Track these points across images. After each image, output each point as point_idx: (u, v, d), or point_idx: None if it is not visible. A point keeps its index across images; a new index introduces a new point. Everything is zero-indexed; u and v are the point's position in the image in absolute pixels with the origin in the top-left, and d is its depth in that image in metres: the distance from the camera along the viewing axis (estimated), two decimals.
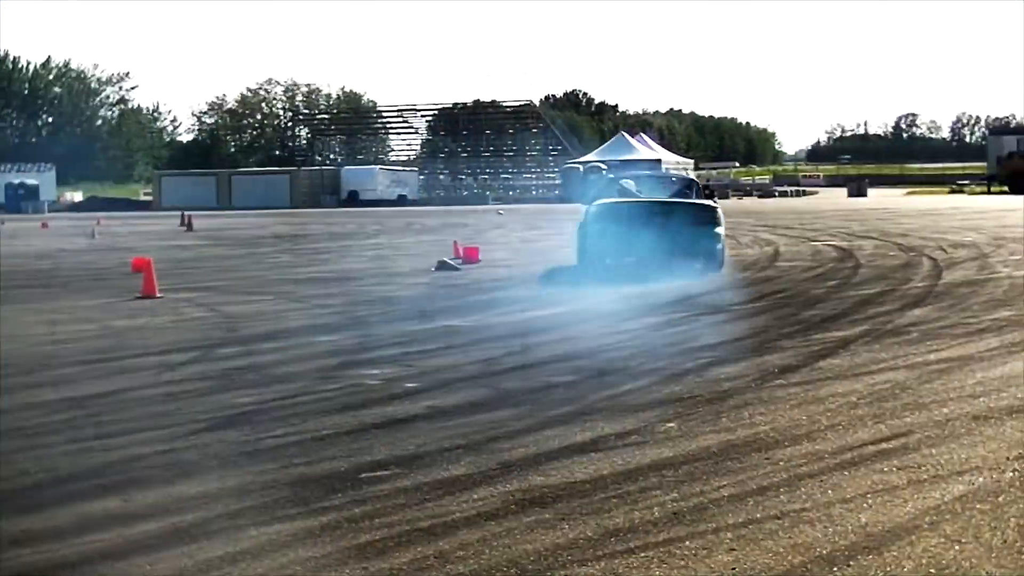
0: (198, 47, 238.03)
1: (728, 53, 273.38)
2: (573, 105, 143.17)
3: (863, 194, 75.87)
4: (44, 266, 24.89)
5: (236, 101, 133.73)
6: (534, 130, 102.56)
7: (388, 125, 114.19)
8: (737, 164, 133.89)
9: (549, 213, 49.17)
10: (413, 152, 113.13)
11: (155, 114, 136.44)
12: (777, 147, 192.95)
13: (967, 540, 4.96)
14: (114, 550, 5.09)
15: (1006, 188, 69.45)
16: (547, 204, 69.64)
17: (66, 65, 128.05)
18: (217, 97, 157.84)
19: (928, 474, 6.01)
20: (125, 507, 5.74)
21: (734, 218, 21.69)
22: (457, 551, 4.96)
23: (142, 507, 5.72)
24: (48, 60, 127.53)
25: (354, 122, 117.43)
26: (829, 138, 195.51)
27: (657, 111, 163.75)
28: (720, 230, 19.13)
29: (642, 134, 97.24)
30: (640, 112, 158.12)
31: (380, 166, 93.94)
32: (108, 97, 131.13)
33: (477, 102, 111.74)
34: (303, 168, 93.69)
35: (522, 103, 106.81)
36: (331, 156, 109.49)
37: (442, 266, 20.78)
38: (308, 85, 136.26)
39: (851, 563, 4.71)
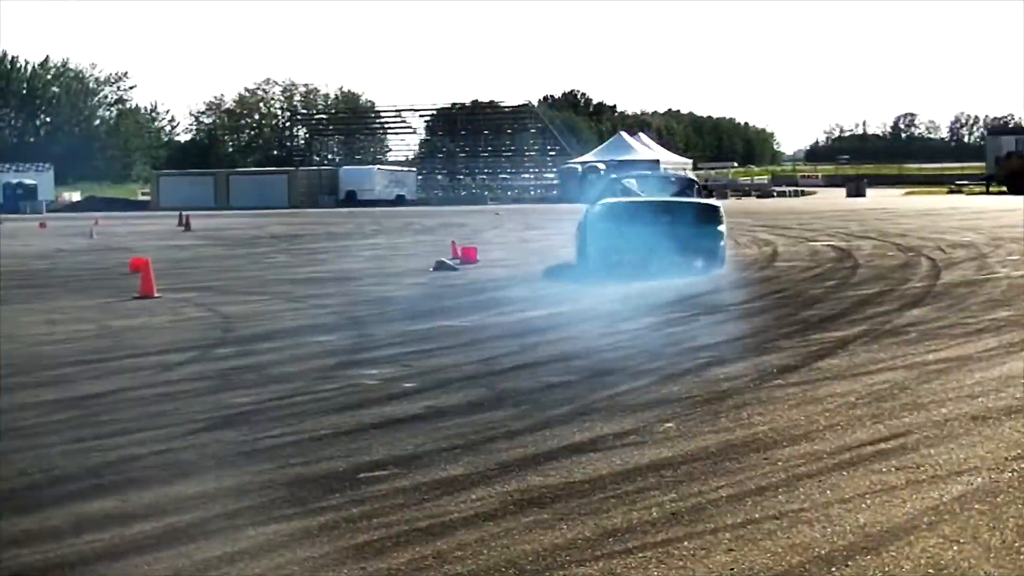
0: (196, 47, 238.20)
1: (727, 53, 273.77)
2: (571, 105, 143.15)
3: (861, 194, 75.88)
4: (42, 266, 24.89)
5: (234, 101, 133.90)
6: (532, 130, 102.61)
7: (386, 125, 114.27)
8: (736, 164, 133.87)
9: (547, 213, 49.18)
10: (411, 152, 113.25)
11: (153, 114, 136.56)
12: (776, 147, 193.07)
13: (965, 540, 4.96)
14: (112, 550, 5.08)
15: (1004, 188, 69.45)
16: (545, 204, 69.66)
17: (64, 65, 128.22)
18: (215, 97, 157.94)
19: (926, 474, 6.01)
20: (123, 507, 5.73)
21: (733, 218, 21.79)
22: (455, 551, 4.96)
23: (140, 507, 5.72)
24: (46, 60, 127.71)
25: (352, 122, 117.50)
26: (828, 138, 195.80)
27: (655, 111, 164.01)
28: (723, 228, 19.59)
29: (640, 134, 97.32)
30: (638, 112, 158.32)
31: (378, 166, 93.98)
32: (106, 97, 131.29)
33: (475, 102, 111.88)
34: (301, 168, 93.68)
35: (520, 103, 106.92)
36: (329, 156, 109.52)
37: (440, 266, 20.78)
38: (306, 85, 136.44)
39: (849, 563, 4.70)
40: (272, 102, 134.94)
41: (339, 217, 55.54)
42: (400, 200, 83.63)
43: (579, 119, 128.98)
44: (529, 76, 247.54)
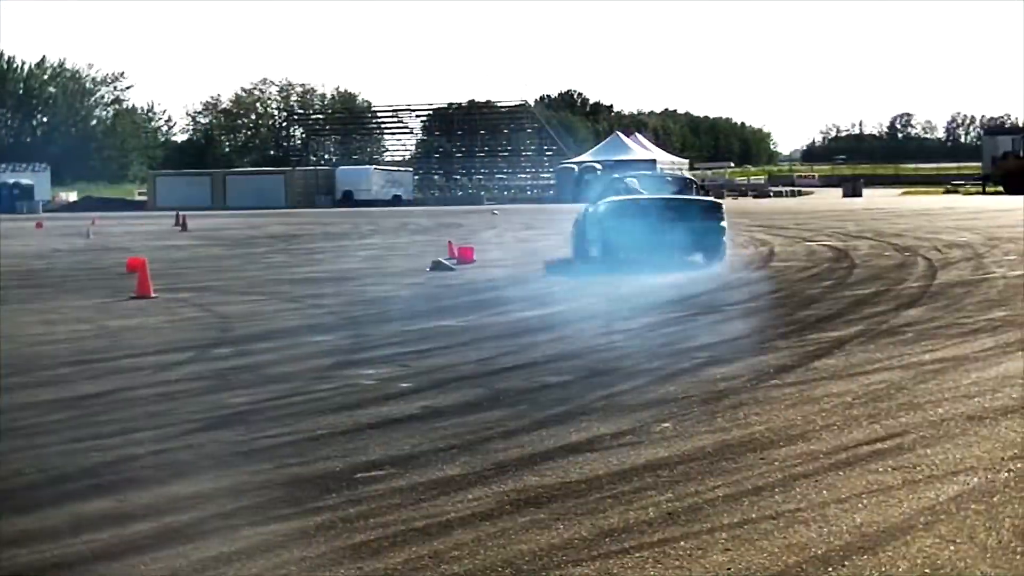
0: (193, 47, 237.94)
1: (723, 53, 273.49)
2: (568, 105, 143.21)
3: (858, 194, 76.01)
4: (39, 266, 24.87)
5: (231, 101, 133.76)
6: (529, 130, 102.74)
7: (383, 125, 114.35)
8: (732, 164, 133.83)
9: (544, 213, 49.20)
10: (408, 152, 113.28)
11: (150, 114, 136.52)
12: (772, 147, 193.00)
13: (962, 540, 4.97)
14: (109, 550, 5.08)
15: (1001, 188, 69.55)
16: (542, 204, 69.69)
17: (61, 65, 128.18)
18: (212, 97, 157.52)
19: (923, 474, 6.01)
20: (120, 507, 5.73)
21: (729, 218, 21.91)
22: (452, 551, 4.96)
23: (137, 507, 5.72)
24: (43, 60, 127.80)
25: (349, 122, 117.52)
26: (824, 138, 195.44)
27: (652, 111, 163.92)
28: (724, 224, 20.67)
29: (637, 134, 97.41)
30: (635, 112, 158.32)
31: (375, 166, 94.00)
32: (103, 97, 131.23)
33: (472, 102, 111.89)
34: (298, 168, 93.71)
35: (517, 103, 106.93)
36: (326, 156, 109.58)
37: (437, 266, 20.77)
38: (303, 85, 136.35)
39: (846, 563, 4.71)
40: (269, 102, 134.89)
41: (336, 217, 55.54)
42: (397, 200, 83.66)
43: (576, 119, 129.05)
44: (526, 76, 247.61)
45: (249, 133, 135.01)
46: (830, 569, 4.65)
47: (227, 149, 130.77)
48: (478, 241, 28.42)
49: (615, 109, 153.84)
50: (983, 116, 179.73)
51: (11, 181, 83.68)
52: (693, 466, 6.28)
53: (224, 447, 7.00)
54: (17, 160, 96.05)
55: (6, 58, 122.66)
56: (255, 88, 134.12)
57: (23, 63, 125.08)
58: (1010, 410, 7.55)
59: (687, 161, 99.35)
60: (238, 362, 10.44)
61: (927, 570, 4.63)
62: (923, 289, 15.32)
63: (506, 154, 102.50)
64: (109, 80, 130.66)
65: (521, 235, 34.33)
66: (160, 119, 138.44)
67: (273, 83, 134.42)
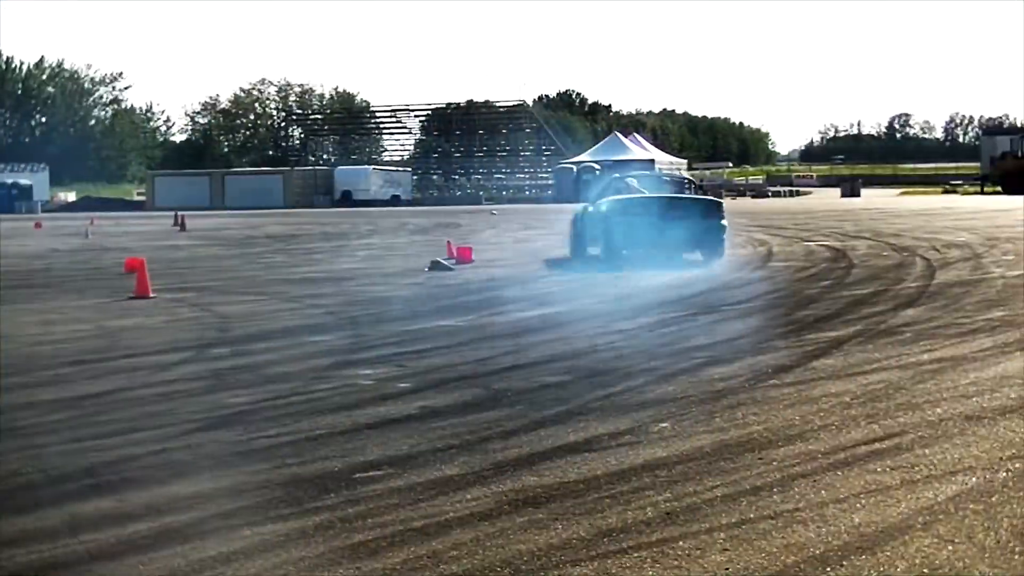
0: (191, 47, 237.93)
1: (722, 53, 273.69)
2: (566, 105, 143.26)
3: (856, 194, 76.04)
4: (38, 266, 24.86)
5: (229, 101, 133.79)
6: (527, 130, 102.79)
7: (381, 125, 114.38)
8: (731, 164, 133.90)
9: (543, 213, 49.19)
10: (406, 152, 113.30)
11: (148, 114, 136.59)
12: (770, 147, 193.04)
13: (960, 540, 4.97)
14: (108, 550, 5.08)
15: (999, 188, 69.59)
16: (541, 204, 69.68)
17: (59, 65, 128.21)
18: (210, 97, 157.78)
19: (921, 474, 6.01)
20: (119, 507, 5.73)
21: (728, 218, 22.08)
22: (450, 551, 4.96)
23: (136, 507, 5.72)
24: (41, 60, 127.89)
25: (347, 122, 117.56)
26: (823, 138, 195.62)
27: (651, 111, 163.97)
28: (725, 223, 21.45)
29: (635, 134, 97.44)
30: (634, 112, 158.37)
31: (373, 166, 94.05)
32: (101, 97, 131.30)
33: (470, 102, 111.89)
34: (296, 168, 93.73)
35: (515, 103, 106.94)
36: (324, 156, 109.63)
37: (435, 266, 20.77)
38: (301, 85, 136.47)
39: (844, 563, 4.71)
40: (267, 102, 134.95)
41: (334, 217, 55.53)
42: (395, 200, 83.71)
43: (574, 119, 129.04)
44: (524, 76, 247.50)
45: (248, 133, 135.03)
46: (828, 569, 4.65)
47: (226, 149, 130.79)
48: (477, 241, 28.42)
49: (613, 109, 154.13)
50: (981, 116, 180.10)
51: (10, 181, 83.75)
52: (691, 466, 6.28)
53: (223, 447, 7.00)
54: (16, 160, 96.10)
55: (5, 58, 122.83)
56: (254, 88, 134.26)
57: (22, 63, 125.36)
58: (1008, 410, 7.55)
59: (685, 161, 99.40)
60: (237, 362, 10.44)
61: (925, 570, 4.63)
62: (921, 289, 15.32)
63: (504, 154, 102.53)
64: (108, 80, 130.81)
65: (520, 235, 34.33)
66: (159, 119, 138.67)
67: (272, 83, 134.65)
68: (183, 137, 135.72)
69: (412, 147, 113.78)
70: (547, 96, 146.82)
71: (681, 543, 4.99)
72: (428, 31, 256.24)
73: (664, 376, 9.14)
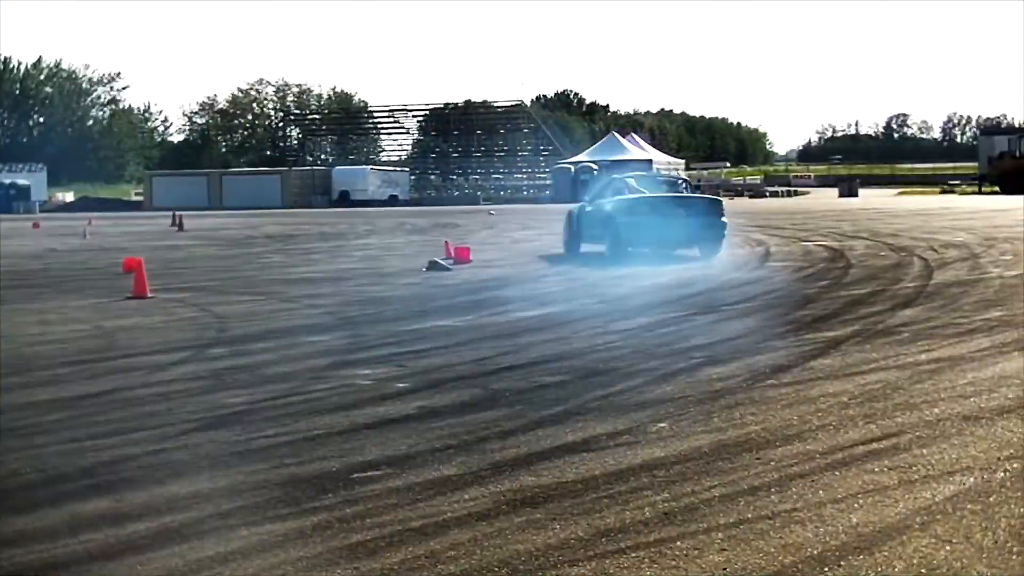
0: (189, 47, 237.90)
1: (719, 53, 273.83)
2: (564, 105, 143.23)
3: (854, 194, 76.00)
4: (36, 266, 24.85)
5: (227, 101, 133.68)
6: (525, 130, 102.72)
7: (379, 125, 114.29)
8: (728, 164, 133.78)
9: (541, 213, 49.19)
10: (404, 152, 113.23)
11: (146, 114, 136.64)
12: (768, 147, 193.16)
13: (958, 540, 4.97)
14: (106, 550, 5.08)
15: (997, 188, 69.59)
16: (539, 204, 69.67)
17: (57, 65, 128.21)
18: (208, 97, 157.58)
19: (919, 474, 6.02)
20: (117, 507, 5.74)
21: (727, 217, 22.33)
22: (448, 551, 4.97)
23: (134, 507, 5.72)
24: (39, 60, 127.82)
25: (345, 122, 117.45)
26: (820, 138, 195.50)
27: (648, 111, 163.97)
28: (726, 220, 22.56)
29: (633, 134, 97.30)
30: (631, 112, 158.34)
31: (371, 166, 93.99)
32: (99, 97, 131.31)
33: (468, 102, 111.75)
34: (294, 168, 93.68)
35: (513, 103, 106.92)
36: (322, 156, 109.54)
37: (433, 266, 20.77)
38: (299, 85, 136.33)
39: (842, 563, 4.71)
40: (265, 102, 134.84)
41: (332, 217, 55.52)
42: (393, 200, 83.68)
43: (572, 119, 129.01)
44: (522, 76, 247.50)
45: (245, 133, 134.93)
46: (826, 569, 4.66)
47: (223, 149, 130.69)
48: (474, 241, 28.42)
49: (611, 109, 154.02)
50: (979, 116, 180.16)
51: (8, 181, 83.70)
52: (689, 466, 6.28)
53: (221, 447, 7.00)
54: (13, 160, 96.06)
55: (2, 58, 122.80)
56: (251, 88, 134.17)
57: (19, 63, 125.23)
58: (1006, 410, 7.55)
59: (683, 161, 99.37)
60: (235, 362, 10.44)
61: (923, 570, 4.63)
62: (919, 289, 15.32)
63: (502, 154, 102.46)
64: (105, 80, 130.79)
65: (517, 235, 34.31)
66: (156, 119, 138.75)
67: (269, 83, 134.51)
68: (181, 137, 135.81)
69: (410, 147, 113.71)
70: (545, 96, 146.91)
71: (679, 543, 5.00)
72: (426, 31, 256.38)
73: (662, 376, 9.14)
